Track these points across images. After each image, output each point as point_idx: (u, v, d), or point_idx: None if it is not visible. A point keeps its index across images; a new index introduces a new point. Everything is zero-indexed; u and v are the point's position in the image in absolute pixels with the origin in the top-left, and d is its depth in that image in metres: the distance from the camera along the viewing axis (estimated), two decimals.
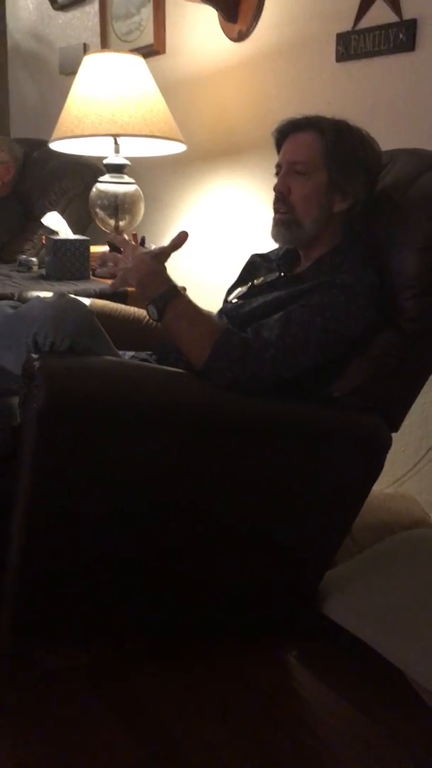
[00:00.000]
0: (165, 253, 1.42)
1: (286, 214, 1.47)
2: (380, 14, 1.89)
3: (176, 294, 1.37)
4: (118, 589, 1.35)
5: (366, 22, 1.93)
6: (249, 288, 1.60)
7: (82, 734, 1.29)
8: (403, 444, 1.96)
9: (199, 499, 1.31)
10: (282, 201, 1.48)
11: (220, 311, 1.59)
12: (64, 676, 1.41)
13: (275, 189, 1.49)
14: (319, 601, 1.48)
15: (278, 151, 1.54)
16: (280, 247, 1.66)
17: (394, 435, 1.45)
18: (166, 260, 1.42)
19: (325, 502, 1.40)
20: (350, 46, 1.98)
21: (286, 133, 1.51)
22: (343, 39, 2.00)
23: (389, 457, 1.42)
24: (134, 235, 2.41)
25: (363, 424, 1.38)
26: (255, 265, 1.68)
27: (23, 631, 1.34)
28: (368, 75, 1.97)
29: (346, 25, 1.98)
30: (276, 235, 1.51)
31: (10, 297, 1.96)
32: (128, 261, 1.43)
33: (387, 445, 1.38)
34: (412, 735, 1.31)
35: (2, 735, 1.28)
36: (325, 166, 1.44)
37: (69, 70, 3.24)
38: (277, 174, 1.51)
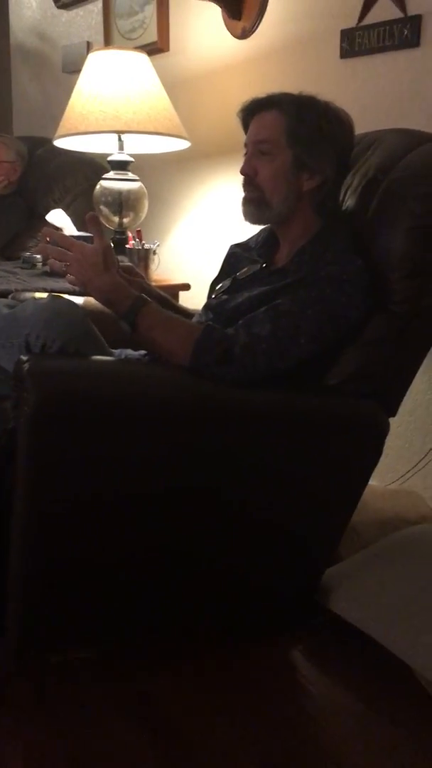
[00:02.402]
0: (105, 249, 1.33)
1: (254, 193, 1.47)
2: (384, 10, 1.90)
3: (143, 304, 1.34)
4: (122, 586, 1.35)
5: (370, 19, 1.94)
6: (232, 281, 1.59)
7: (93, 730, 1.29)
8: (406, 440, 1.97)
9: (199, 492, 1.31)
10: (249, 183, 1.47)
11: (205, 306, 1.58)
12: (74, 672, 1.41)
13: (241, 171, 1.47)
14: (325, 596, 1.48)
15: (245, 131, 1.52)
16: (258, 234, 1.65)
17: (397, 432, 1.45)
18: (111, 254, 1.35)
19: (326, 490, 1.39)
20: (354, 43, 1.98)
21: (251, 112, 1.50)
22: (347, 35, 2.00)
23: (393, 453, 1.42)
24: (138, 232, 2.41)
25: (360, 410, 1.37)
26: (236, 256, 1.66)
27: (30, 632, 1.33)
28: (373, 71, 1.97)
29: (351, 22, 1.99)
30: (246, 214, 1.49)
31: (9, 294, 1.97)
32: (73, 255, 1.34)
33: (385, 430, 1.37)
34: (420, 728, 1.31)
35: (12, 731, 1.28)
36: (288, 145, 1.43)
37: (72, 68, 3.25)
38: (245, 155, 1.49)
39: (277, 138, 1.44)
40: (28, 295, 1.88)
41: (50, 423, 1.17)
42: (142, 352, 1.64)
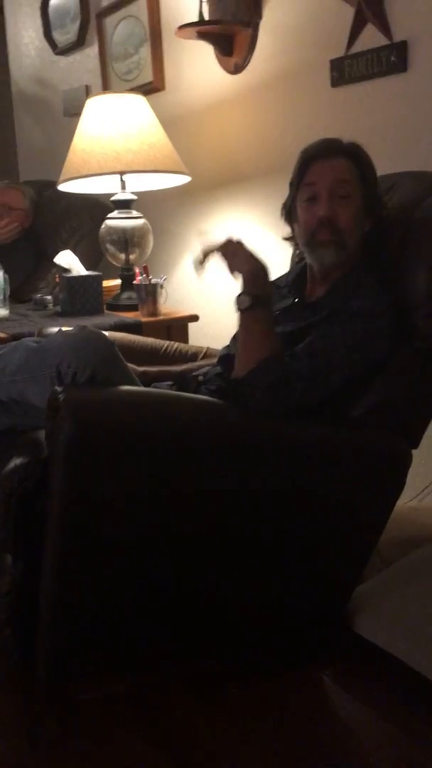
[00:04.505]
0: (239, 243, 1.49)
1: (335, 236, 1.48)
2: (371, 38, 1.94)
3: (266, 304, 1.40)
4: (153, 617, 1.36)
5: (357, 47, 1.98)
6: None
7: (123, 764, 1.29)
8: (423, 457, 1.97)
9: (229, 522, 1.33)
10: (329, 226, 1.47)
11: (234, 337, 1.61)
12: (102, 706, 1.42)
13: (322, 216, 1.48)
14: (350, 618, 1.49)
15: (301, 172, 1.53)
16: (288, 273, 1.69)
17: (414, 449, 1.46)
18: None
19: (350, 520, 1.41)
20: (344, 71, 2.03)
21: (316, 157, 1.51)
22: (336, 65, 2.05)
23: (411, 470, 1.43)
24: (145, 267, 2.45)
25: (383, 442, 1.39)
26: None
27: (59, 662, 1.35)
28: (363, 98, 2.01)
29: (339, 51, 2.03)
30: (325, 256, 1.50)
31: (30, 335, 2.01)
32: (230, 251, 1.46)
33: (408, 461, 1.39)
34: None
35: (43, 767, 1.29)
36: (360, 190, 1.49)
37: (73, 111, 3.32)
38: (309, 199, 1.50)
39: (353, 182, 1.49)
40: (54, 329, 1.93)
41: (85, 450, 1.19)
42: (169, 383, 1.68)
